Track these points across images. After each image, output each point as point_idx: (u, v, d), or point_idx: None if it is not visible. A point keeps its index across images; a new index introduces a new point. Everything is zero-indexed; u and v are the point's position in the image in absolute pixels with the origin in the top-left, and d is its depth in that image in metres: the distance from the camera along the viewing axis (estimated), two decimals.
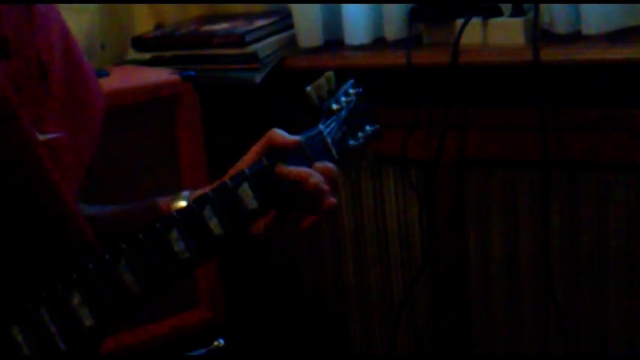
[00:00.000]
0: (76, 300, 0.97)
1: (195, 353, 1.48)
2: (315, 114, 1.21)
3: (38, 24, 1.05)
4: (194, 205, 1.04)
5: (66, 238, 1.02)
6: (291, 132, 1.14)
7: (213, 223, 1.04)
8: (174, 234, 1.02)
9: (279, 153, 1.11)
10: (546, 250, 1.85)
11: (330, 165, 1.14)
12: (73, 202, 1.05)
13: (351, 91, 1.26)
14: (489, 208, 1.95)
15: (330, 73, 1.24)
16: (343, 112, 1.22)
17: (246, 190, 1.07)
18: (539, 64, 1.73)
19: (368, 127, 1.26)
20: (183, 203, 1.15)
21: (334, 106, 1.22)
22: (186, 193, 1.19)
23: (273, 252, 2.27)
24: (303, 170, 1.11)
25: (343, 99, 1.24)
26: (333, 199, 1.12)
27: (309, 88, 1.21)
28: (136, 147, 1.90)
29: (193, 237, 1.03)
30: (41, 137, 1.01)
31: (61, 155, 1.04)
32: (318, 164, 1.13)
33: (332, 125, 1.20)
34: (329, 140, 1.18)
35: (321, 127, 1.18)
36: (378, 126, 1.27)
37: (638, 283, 1.82)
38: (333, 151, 1.18)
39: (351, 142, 1.22)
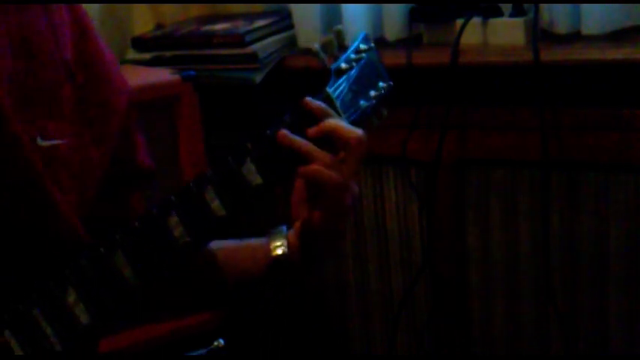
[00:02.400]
0: (70, 297, 0.94)
1: (195, 353, 1.48)
2: (325, 75, 1.11)
3: (55, 25, 1.04)
4: (194, 187, 0.99)
5: (60, 244, 1.00)
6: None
7: (216, 205, 0.99)
8: (174, 219, 0.97)
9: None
10: (546, 250, 1.85)
11: (332, 122, 1.03)
12: (74, 209, 1.02)
13: (363, 46, 1.15)
14: (489, 208, 1.95)
15: (339, 28, 1.15)
16: (353, 71, 1.12)
17: (249, 166, 1.00)
18: (539, 64, 1.73)
19: (381, 84, 1.15)
20: (279, 244, 1.11)
21: (343, 66, 1.12)
22: (283, 228, 1.13)
23: None
24: (305, 144, 1.03)
25: (353, 56, 1.14)
26: (344, 189, 1.02)
27: (316, 46, 1.12)
28: None
29: (194, 220, 0.98)
30: (43, 143, 0.99)
31: (62, 160, 1.01)
32: (311, 130, 1.03)
33: (341, 87, 1.11)
34: (337, 104, 1.09)
35: (328, 90, 1.09)
36: (391, 82, 1.17)
37: (638, 284, 1.82)
38: (343, 117, 1.09)
39: (363, 103, 1.12)
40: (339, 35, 1.14)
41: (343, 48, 1.14)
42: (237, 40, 2.02)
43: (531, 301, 1.94)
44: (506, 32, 1.82)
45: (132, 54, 2.18)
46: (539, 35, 1.78)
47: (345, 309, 2.21)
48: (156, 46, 2.14)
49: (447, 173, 1.94)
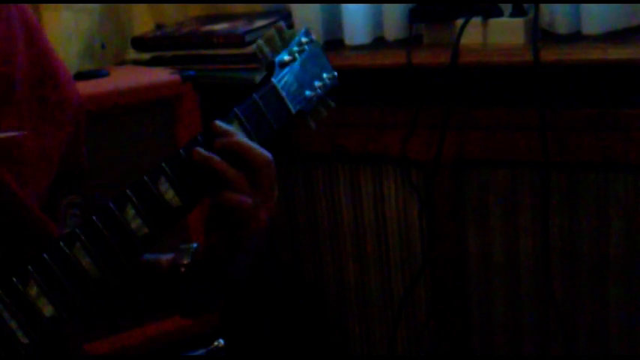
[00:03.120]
0: (33, 291, 0.96)
1: (195, 353, 1.48)
2: (269, 68, 1.15)
3: (3, 22, 1.04)
4: (148, 179, 1.01)
5: (22, 237, 1.01)
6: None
7: (170, 195, 1.01)
8: (130, 211, 1.00)
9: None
10: (546, 250, 1.85)
11: (241, 140, 1.03)
12: (33, 199, 1.03)
13: (304, 39, 1.21)
14: (489, 208, 1.95)
15: (280, 24, 1.19)
16: (296, 63, 1.17)
17: (201, 153, 1.03)
18: (539, 64, 1.73)
19: (325, 75, 1.21)
20: (184, 262, 1.12)
21: (286, 58, 1.16)
22: (193, 245, 1.15)
23: (273, 252, 2.27)
24: (213, 158, 1.03)
25: (295, 49, 1.18)
26: (233, 196, 1.01)
27: (259, 41, 1.16)
28: (136, 147, 1.90)
29: (150, 212, 1.00)
30: (0, 135, 1.00)
31: (20, 153, 1.03)
32: (218, 141, 1.03)
33: (286, 78, 1.15)
34: (284, 94, 1.13)
35: (274, 80, 1.13)
36: (335, 73, 1.22)
37: (638, 284, 1.82)
38: (289, 105, 1.13)
39: (308, 93, 1.17)
40: (280, 30, 1.18)
41: (285, 44, 1.18)
42: (237, 40, 2.02)
43: (531, 301, 1.94)
44: (506, 32, 1.82)
45: (132, 54, 2.19)
46: (539, 35, 1.78)
47: (345, 309, 2.21)
48: (156, 46, 2.15)
49: (447, 173, 1.94)
